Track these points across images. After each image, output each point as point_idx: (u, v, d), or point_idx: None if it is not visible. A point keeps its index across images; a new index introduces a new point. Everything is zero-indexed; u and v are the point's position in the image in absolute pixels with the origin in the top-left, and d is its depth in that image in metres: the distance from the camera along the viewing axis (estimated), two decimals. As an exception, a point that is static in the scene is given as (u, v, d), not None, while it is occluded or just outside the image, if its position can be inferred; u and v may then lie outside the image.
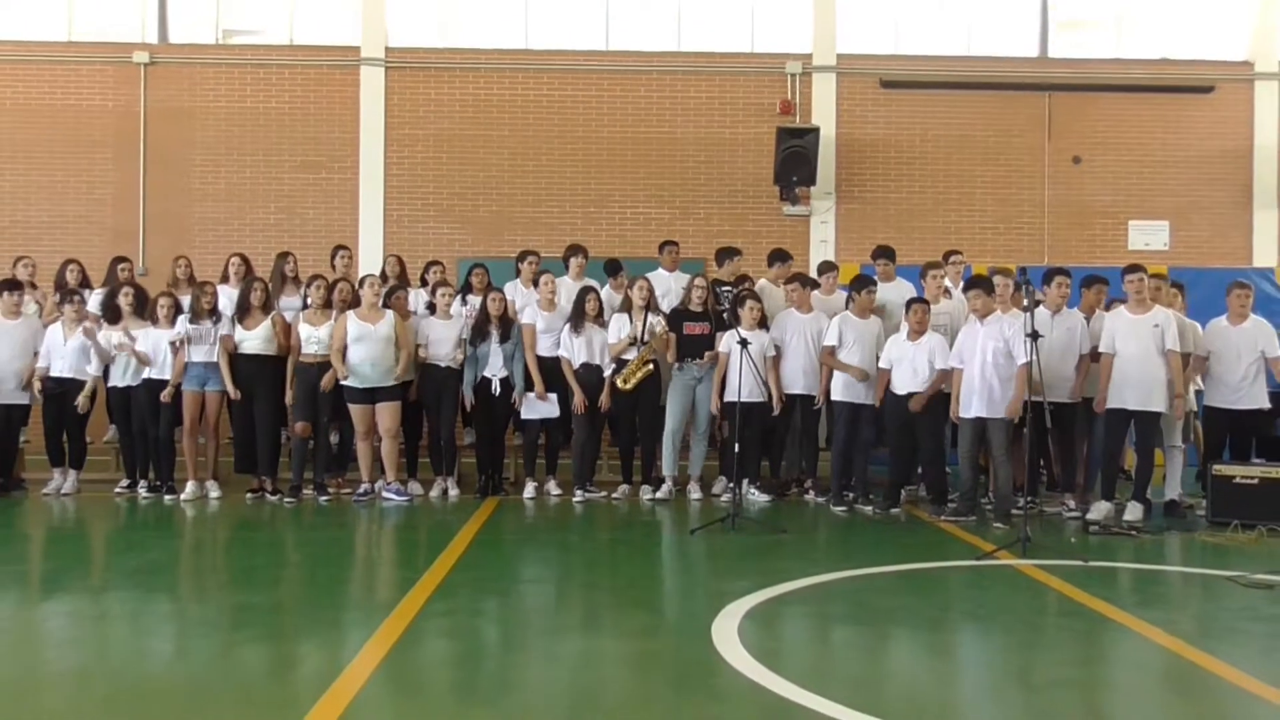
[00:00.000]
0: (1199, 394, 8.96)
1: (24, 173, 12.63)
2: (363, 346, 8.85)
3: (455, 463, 9.55)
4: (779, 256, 10.13)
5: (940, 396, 8.42)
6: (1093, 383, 8.46)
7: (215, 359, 8.98)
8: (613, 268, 9.96)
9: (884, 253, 9.85)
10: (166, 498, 9.08)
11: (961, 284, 9.05)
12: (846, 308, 9.10)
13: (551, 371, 9.20)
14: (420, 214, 12.82)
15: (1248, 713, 4.08)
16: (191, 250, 11.02)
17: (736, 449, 8.19)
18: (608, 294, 9.67)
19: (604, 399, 9.14)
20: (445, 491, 9.34)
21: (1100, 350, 8.34)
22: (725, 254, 10.19)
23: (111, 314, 9.31)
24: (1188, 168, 13.12)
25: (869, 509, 8.70)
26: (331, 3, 13.21)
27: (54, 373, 9.26)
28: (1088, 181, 13.10)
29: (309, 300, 9.15)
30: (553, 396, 9.14)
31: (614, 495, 9.28)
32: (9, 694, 4.16)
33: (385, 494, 9.04)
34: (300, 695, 4.02)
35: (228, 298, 9.44)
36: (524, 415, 9.23)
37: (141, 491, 9.26)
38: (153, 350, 9.07)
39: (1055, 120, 13.07)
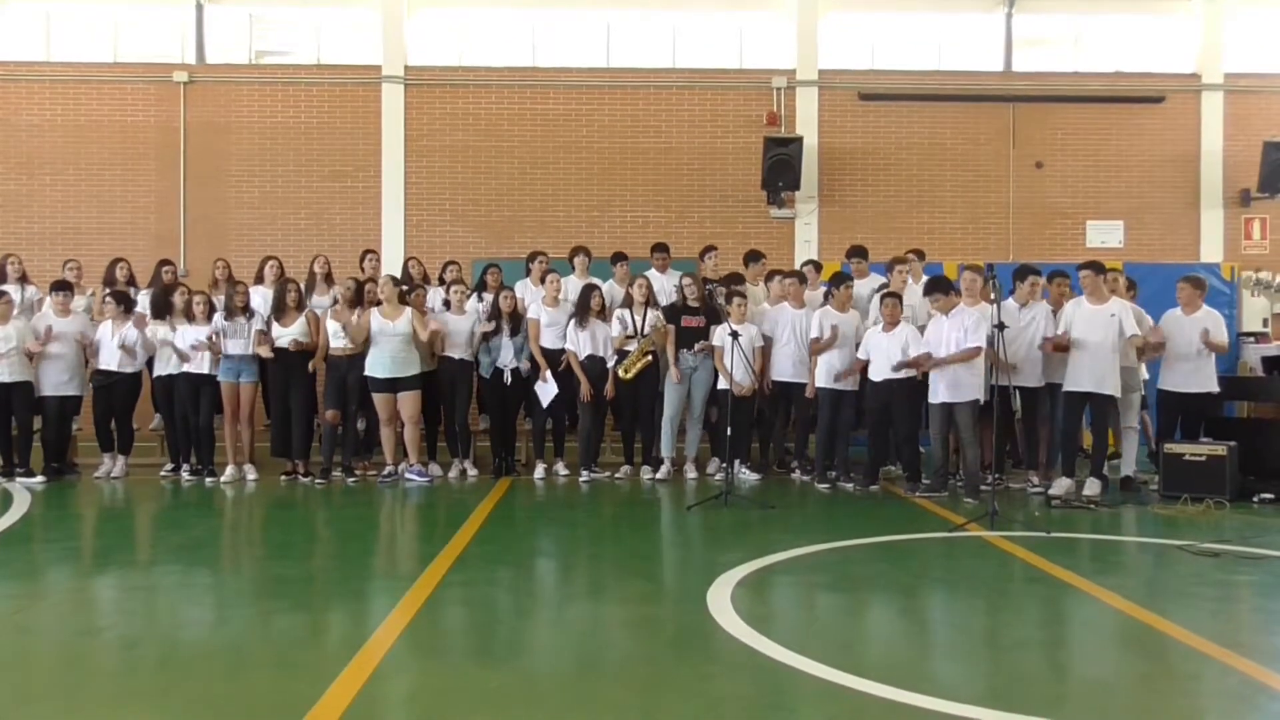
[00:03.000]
0: (1147, 383, 8.96)
1: (74, 183, 12.61)
2: (383, 341, 8.86)
3: (470, 446, 9.56)
4: (753, 257, 10.16)
5: (914, 384, 8.42)
6: (1054, 368, 8.46)
7: (249, 352, 8.98)
8: (617, 257, 10.00)
9: (858, 252, 9.86)
10: (207, 480, 9.08)
11: (923, 283, 8.99)
12: (825, 303, 9.10)
13: (556, 362, 9.18)
14: (438, 218, 12.79)
15: (1196, 669, 4.09)
16: (228, 253, 11.00)
17: (729, 432, 8.21)
18: (610, 284, 9.69)
19: (609, 388, 9.14)
20: (463, 472, 9.35)
21: (1057, 331, 8.33)
22: (705, 251, 10.20)
23: (161, 311, 9.31)
24: (1140, 171, 13.09)
25: (850, 486, 8.70)
26: (355, 25, 13.18)
27: (102, 366, 9.28)
28: (1049, 185, 13.07)
29: (337, 298, 9.16)
30: (549, 374, 9.12)
31: (617, 475, 9.29)
32: (67, 657, 4.18)
33: (408, 475, 9.04)
34: (332, 658, 4.02)
35: (262, 297, 9.46)
36: (544, 403, 9.19)
37: (184, 474, 9.28)
38: (190, 345, 9.09)
39: (1019, 128, 13.03)
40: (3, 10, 13.03)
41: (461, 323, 9.25)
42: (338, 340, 8.95)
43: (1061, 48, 13.61)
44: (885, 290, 8.89)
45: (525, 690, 3.77)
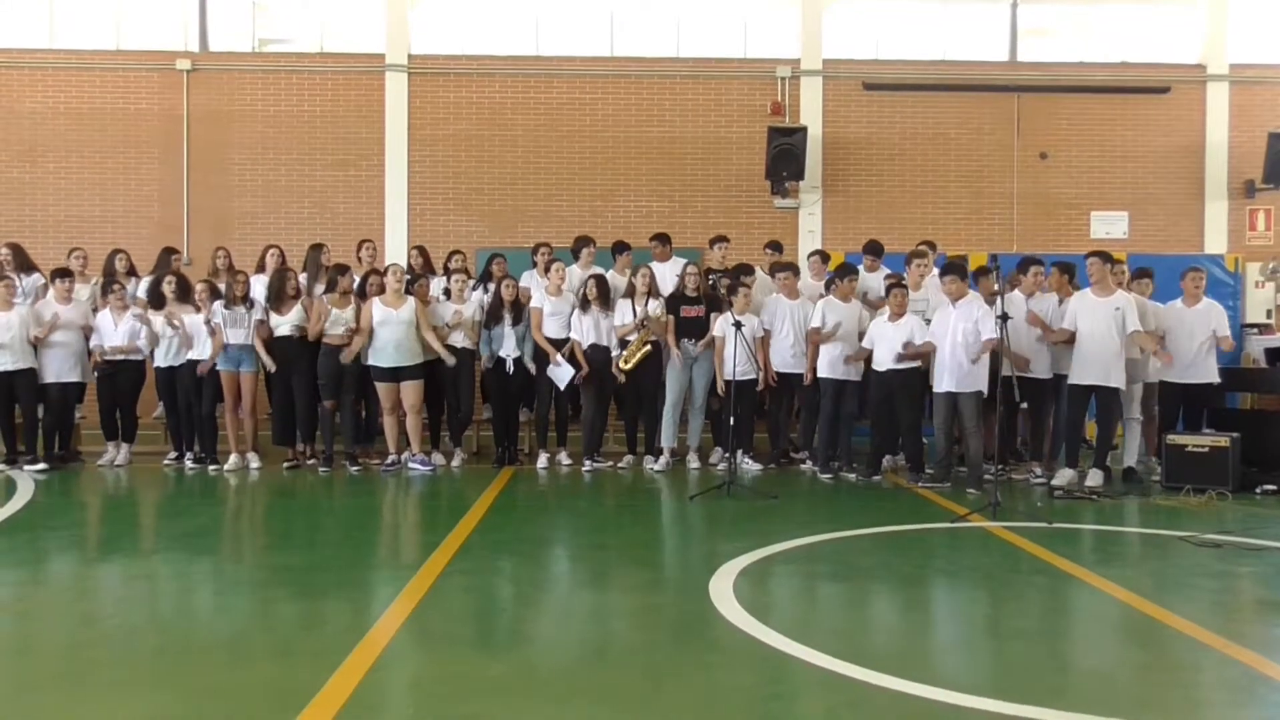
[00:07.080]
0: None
1: (77, 171, 12.61)
2: (386, 330, 8.87)
3: (461, 434, 9.62)
4: (773, 247, 10.14)
5: (918, 374, 8.42)
6: (1060, 359, 8.46)
7: (249, 341, 8.98)
8: (619, 247, 9.99)
9: (872, 250, 9.82)
10: (210, 468, 9.11)
11: (935, 271, 9.01)
12: (828, 293, 9.08)
13: (559, 351, 9.17)
14: (441, 208, 12.79)
15: (1198, 660, 4.09)
16: (231, 242, 11.01)
17: (731, 422, 8.21)
18: (612, 274, 9.68)
19: (618, 375, 9.12)
20: (464, 460, 9.36)
21: (1061, 326, 8.35)
22: (715, 241, 10.19)
23: (156, 300, 9.33)
24: (1145, 162, 13.06)
25: (853, 476, 8.71)
26: (358, 13, 13.14)
27: (107, 356, 9.28)
28: (1053, 175, 13.05)
29: (336, 283, 9.16)
30: (559, 356, 9.11)
31: (620, 465, 9.30)
32: (69, 646, 4.19)
33: (411, 464, 9.05)
34: (335, 647, 4.03)
35: (263, 286, 9.45)
36: (561, 386, 9.14)
37: (187, 463, 9.30)
38: (193, 333, 9.11)
39: (1023, 119, 13.00)
40: (5, -2, 13.02)
41: (463, 311, 9.24)
42: (336, 328, 8.94)
43: (1067, 38, 13.55)
44: (893, 280, 8.88)
45: (527, 678, 3.78)
